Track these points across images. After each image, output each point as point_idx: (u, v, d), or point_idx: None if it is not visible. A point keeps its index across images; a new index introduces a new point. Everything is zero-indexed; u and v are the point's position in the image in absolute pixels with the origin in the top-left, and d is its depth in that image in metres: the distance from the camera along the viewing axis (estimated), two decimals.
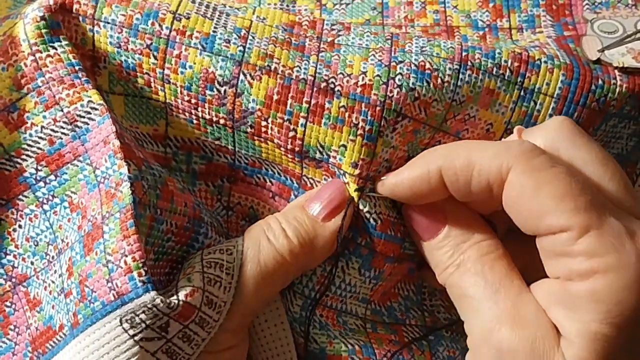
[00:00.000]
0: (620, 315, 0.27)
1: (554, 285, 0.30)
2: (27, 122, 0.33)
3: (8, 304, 0.35)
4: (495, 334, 0.30)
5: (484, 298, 0.31)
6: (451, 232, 0.33)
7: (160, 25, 0.34)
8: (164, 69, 0.34)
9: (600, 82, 0.34)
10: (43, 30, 0.33)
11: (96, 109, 0.32)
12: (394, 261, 0.36)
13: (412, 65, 0.34)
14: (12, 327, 0.34)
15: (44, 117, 0.33)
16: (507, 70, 0.34)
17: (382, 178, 0.34)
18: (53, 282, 0.33)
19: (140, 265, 0.30)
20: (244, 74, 0.33)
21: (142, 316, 0.30)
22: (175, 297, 0.30)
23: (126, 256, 0.30)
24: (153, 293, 0.30)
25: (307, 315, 0.36)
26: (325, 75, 0.34)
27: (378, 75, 0.33)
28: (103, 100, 0.33)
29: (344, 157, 0.34)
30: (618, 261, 0.27)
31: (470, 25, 0.41)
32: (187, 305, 0.30)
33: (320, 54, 0.34)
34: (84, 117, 0.33)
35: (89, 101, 0.33)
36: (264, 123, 0.34)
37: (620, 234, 0.28)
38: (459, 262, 0.32)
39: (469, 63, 0.34)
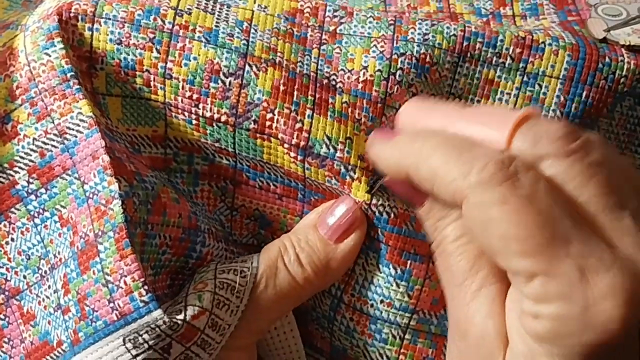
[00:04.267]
0: (562, 356, 0.26)
1: (514, 300, 0.28)
2: (19, 134, 0.33)
3: (2, 316, 0.34)
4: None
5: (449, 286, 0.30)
6: (434, 203, 0.30)
7: (162, 21, 0.33)
8: (166, 63, 0.33)
9: (607, 59, 0.34)
10: (39, 38, 0.33)
11: (85, 122, 0.32)
12: (422, 260, 0.35)
13: (414, 59, 0.34)
14: (6, 339, 0.34)
15: (36, 128, 0.32)
16: (508, 58, 0.34)
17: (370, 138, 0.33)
18: (47, 297, 0.32)
19: (140, 285, 0.30)
20: (250, 66, 0.33)
21: (145, 336, 0.30)
22: (182, 314, 0.30)
23: (125, 276, 0.30)
24: (156, 313, 0.30)
25: (333, 315, 0.36)
26: (327, 72, 0.34)
27: (379, 70, 0.33)
28: (93, 112, 0.32)
29: (352, 149, 0.34)
30: (564, 310, 0.25)
31: (473, 13, 0.40)
32: (190, 327, 0.30)
33: (322, 47, 0.34)
34: (72, 129, 0.32)
35: (78, 113, 0.32)
36: (269, 115, 0.33)
37: (572, 280, 0.25)
38: (439, 240, 0.31)
39: (469, 54, 0.34)
